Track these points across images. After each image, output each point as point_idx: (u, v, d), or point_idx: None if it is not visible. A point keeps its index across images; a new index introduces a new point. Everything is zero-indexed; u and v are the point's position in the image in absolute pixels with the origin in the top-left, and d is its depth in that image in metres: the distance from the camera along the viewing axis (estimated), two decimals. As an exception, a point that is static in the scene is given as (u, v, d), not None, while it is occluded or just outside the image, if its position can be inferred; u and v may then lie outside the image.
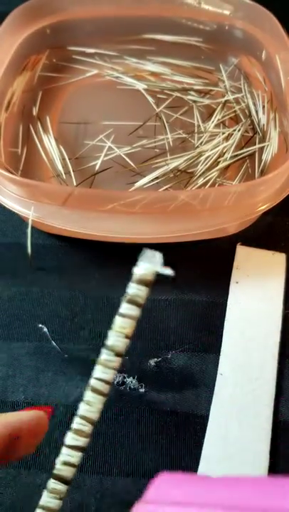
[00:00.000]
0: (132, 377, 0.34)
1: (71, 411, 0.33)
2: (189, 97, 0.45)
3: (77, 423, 0.23)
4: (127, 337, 0.23)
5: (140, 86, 0.46)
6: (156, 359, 0.35)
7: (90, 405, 0.23)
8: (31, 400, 0.34)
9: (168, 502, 0.18)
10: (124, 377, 0.34)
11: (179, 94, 0.45)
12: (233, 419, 0.32)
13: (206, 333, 0.36)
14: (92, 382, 0.23)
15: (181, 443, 0.32)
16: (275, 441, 0.32)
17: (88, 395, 0.23)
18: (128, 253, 0.40)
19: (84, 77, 0.48)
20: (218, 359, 0.35)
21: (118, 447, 0.32)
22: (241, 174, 0.41)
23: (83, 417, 0.23)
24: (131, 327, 0.23)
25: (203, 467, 0.31)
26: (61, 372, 0.35)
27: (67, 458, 0.23)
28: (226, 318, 0.36)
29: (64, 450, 0.23)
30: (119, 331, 0.23)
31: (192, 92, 0.45)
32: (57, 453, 0.33)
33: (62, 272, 0.39)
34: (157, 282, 0.38)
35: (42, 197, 0.34)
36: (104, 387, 0.23)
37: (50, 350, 0.35)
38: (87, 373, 0.34)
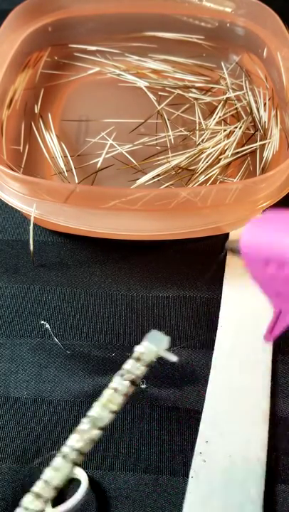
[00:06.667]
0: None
1: (73, 407, 0.33)
2: (191, 95, 0.45)
3: (38, 487, 0.22)
4: (113, 412, 0.21)
5: (142, 83, 0.46)
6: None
7: (56, 471, 0.22)
8: (34, 396, 0.34)
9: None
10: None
11: (180, 92, 0.45)
12: (228, 414, 0.32)
13: (206, 330, 0.36)
14: (65, 449, 0.21)
15: (182, 438, 0.32)
16: (273, 437, 0.32)
17: (58, 461, 0.22)
18: (129, 250, 0.40)
19: (85, 74, 0.48)
20: (219, 355, 0.35)
21: (119, 443, 0.32)
22: (242, 171, 0.41)
23: (46, 482, 0.22)
24: (119, 404, 0.21)
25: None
26: (63, 368, 0.35)
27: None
28: (220, 315, 0.36)
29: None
30: (106, 405, 0.21)
31: (194, 90, 0.45)
32: (58, 448, 0.34)
33: (64, 269, 0.39)
34: (158, 280, 0.39)
35: (44, 194, 0.34)
36: (78, 458, 0.22)
37: (52, 346, 0.36)
38: (90, 369, 0.35)
